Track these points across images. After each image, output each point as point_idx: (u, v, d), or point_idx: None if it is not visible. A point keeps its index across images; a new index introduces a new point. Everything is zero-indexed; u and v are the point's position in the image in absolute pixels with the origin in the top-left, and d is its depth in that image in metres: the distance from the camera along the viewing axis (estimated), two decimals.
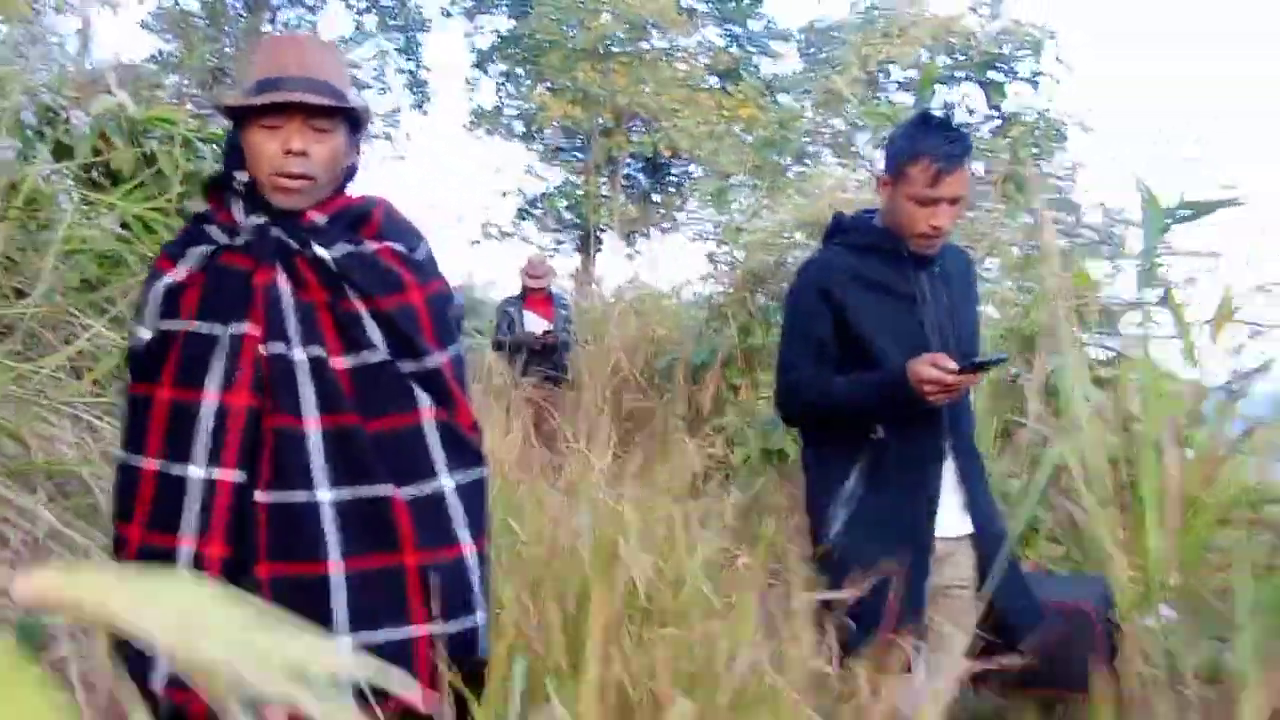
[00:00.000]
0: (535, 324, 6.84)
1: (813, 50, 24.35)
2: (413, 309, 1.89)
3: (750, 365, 5.23)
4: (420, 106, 22.99)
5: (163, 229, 4.43)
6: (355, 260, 1.88)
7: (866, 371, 2.49)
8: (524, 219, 21.63)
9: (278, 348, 1.76)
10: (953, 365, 2.35)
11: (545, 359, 6.65)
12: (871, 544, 2.39)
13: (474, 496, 1.89)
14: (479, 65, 22.78)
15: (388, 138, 22.36)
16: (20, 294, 3.51)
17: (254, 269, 1.83)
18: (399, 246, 1.93)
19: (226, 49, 19.16)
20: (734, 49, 21.44)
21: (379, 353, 1.81)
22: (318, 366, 1.78)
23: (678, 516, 2.33)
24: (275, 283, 1.80)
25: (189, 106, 5.77)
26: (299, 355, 1.77)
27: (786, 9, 48.64)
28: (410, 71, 23.10)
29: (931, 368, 2.35)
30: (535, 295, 6.99)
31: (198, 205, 5.10)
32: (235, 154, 1.87)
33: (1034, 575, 3.03)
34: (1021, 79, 8.83)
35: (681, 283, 7.74)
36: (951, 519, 2.57)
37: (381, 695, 1.33)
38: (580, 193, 18.41)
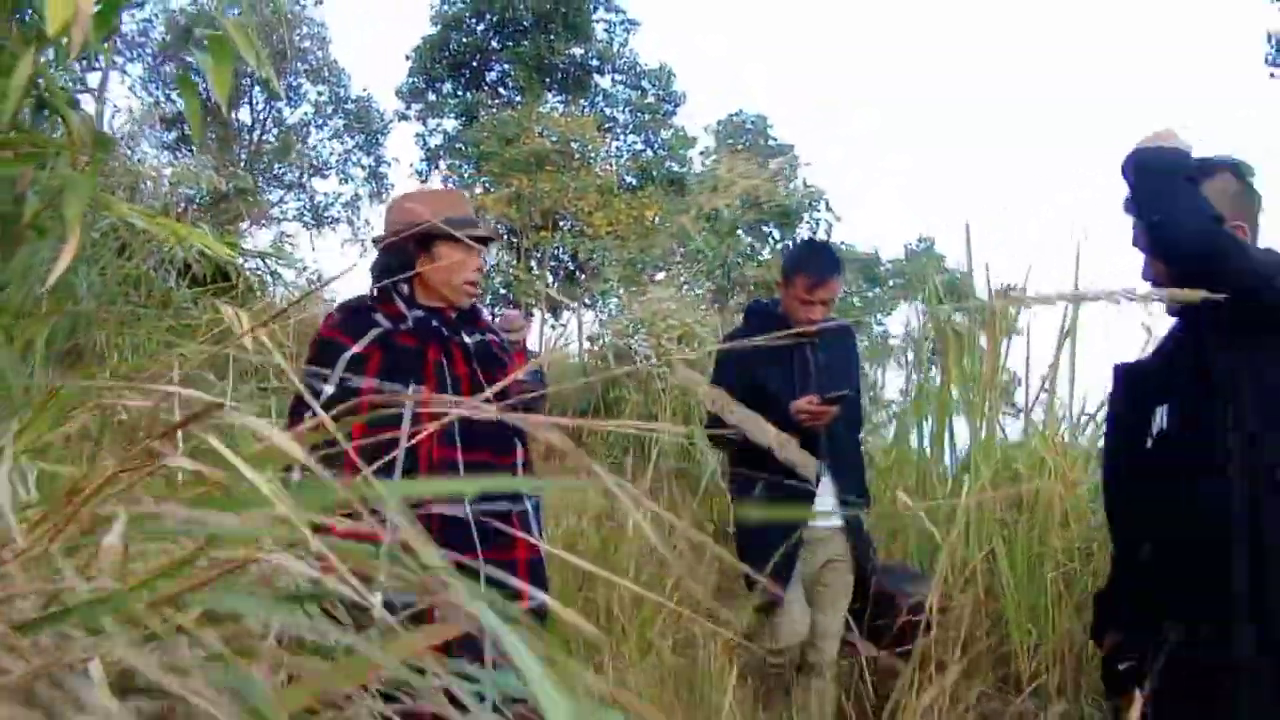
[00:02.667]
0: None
1: (730, 142, 27.67)
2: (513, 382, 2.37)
3: (611, 413, 7.59)
4: (380, 197, 25.10)
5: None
6: (483, 346, 2.38)
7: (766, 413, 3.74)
8: None
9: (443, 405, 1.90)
10: (815, 400, 3.06)
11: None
12: (768, 532, 3.01)
13: (540, 513, 2.33)
14: (428, 161, 25.10)
15: (349, 222, 24.53)
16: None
17: (421, 347, 2.26)
18: (497, 338, 2.48)
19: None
20: (648, 154, 24.12)
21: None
22: (465, 419, 2.05)
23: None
24: (441, 359, 2.24)
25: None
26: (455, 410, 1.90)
27: (698, 110, 53.14)
28: (370, 166, 25.35)
29: (803, 402, 3.05)
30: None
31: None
32: (398, 267, 2.32)
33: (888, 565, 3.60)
34: (806, 222, 11.97)
35: (587, 350, 9.96)
36: (826, 515, 3.23)
37: None
38: (514, 273, 20.63)
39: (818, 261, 3.24)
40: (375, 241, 2.50)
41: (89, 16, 2.98)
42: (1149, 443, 2.16)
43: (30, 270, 4.00)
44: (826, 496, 3.19)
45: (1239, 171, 2.22)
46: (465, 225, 2.34)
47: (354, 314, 2.33)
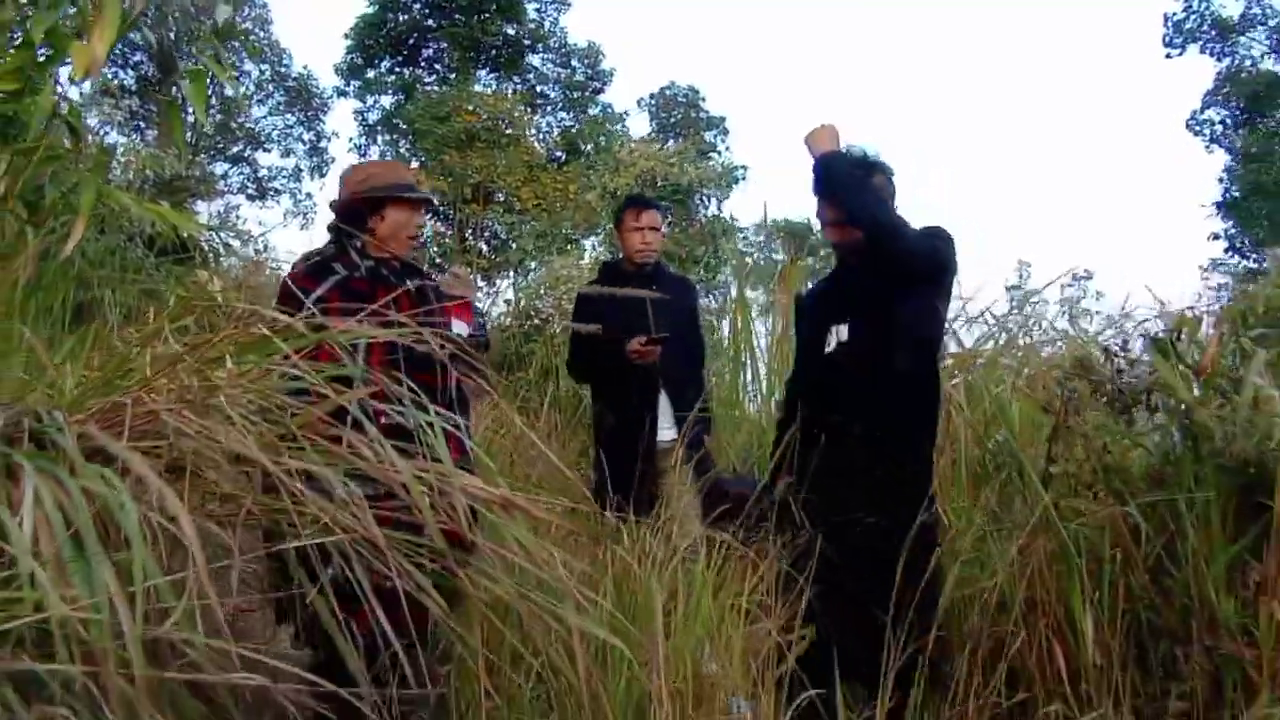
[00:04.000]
0: (459, 328, 7.86)
1: (663, 115, 28.48)
2: (447, 321, 2.95)
3: (521, 363, 8.67)
4: (321, 171, 25.80)
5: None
6: (423, 291, 2.74)
7: (610, 348, 3.59)
8: None
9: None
10: (642, 340, 3.60)
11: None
12: (621, 448, 3.54)
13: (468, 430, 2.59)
14: (367, 136, 25.72)
15: (292, 194, 25.15)
16: None
17: (371, 290, 2.54)
18: (433, 284, 2.86)
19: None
20: (576, 130, 24.99)
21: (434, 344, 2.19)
22: (408, 348, 2.34)
23: None
24: (389, 300, 2.32)
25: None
26: (404, 341, 2.25)
27: (630, 85, 53.90)
28: (311, 141, 25.94)
29: (634, 343, 3.60)
30: (457, 304, 7.79)
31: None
32: (354, 221, 2.71)
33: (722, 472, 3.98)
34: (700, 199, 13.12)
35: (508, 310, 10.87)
36: (667, 431, 3.71)
37: None
38: (449, 242, 21.50)
39: (636, 199, 4.09)
40: (331, 205, 2.91)
41: (102, 59, 4.02)
42: (829, 348, 2.95)
43: (47, 247, 5.01)
44: (665, 416, 3.78)
45: (886, 171, 3.04)
46: (407, 190, 2.80)
47: (316, 264, 2.74)
